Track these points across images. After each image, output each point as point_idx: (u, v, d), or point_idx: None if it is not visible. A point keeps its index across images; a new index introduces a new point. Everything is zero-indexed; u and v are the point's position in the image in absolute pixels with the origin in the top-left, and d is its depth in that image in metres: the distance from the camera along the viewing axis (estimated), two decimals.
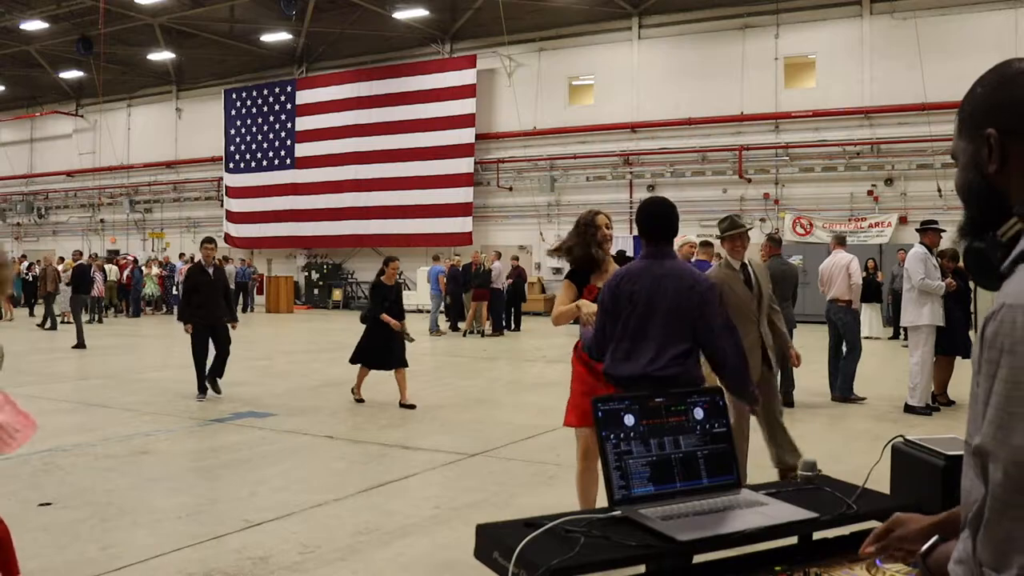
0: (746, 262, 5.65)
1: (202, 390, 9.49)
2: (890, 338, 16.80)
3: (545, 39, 24.92)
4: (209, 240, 9.89)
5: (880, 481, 2.32)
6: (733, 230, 5.65)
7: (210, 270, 9.60)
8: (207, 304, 9.54)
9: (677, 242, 10.82)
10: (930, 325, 8.58)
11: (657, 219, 3.63)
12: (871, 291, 17.09)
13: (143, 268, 25.38)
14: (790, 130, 21.87)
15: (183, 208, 32.11)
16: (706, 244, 9.49)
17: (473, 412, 8.73)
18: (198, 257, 10.18)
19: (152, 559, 4.32)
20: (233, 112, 30.21)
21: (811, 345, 11.89)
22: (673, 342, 3.49)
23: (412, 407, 8.86)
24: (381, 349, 9.11)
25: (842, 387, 9.40)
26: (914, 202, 20.25)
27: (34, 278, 25.70)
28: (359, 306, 27.67)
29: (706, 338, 3.54)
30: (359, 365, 9.29)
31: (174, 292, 23.73)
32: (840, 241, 9.94)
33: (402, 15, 24.88)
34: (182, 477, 6.10)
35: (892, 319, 16.32)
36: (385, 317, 9.11)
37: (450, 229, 25.35)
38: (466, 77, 25.37)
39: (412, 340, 9.78)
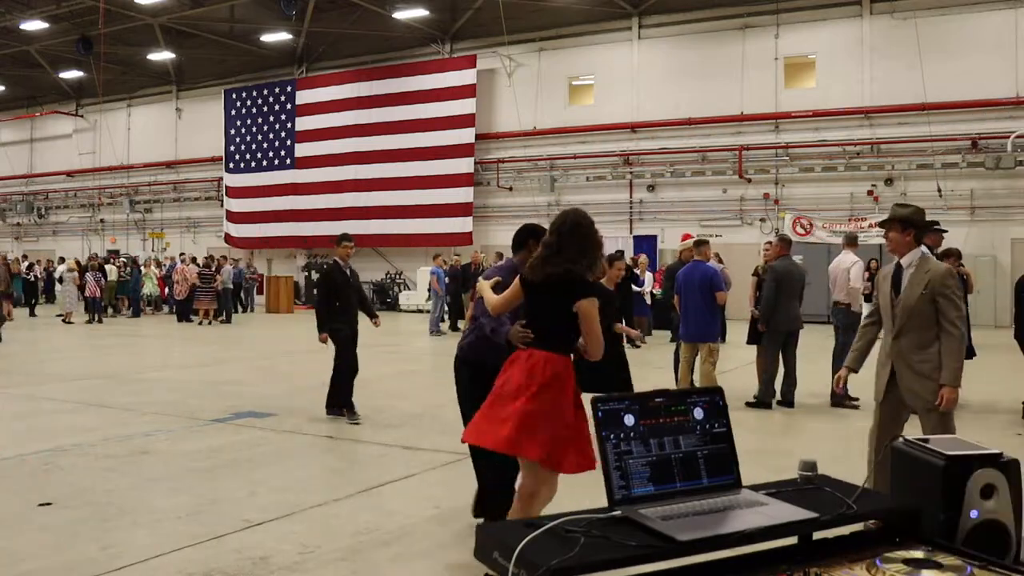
0: (902, 262, 4.63)
1: (348, 406, 8.25)
2: None
3: (545, 39, 24.92)
4: (347, 237, 8.55)
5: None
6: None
7: (347, 271, 8.48)
8: (350, 309, 8.44)
9: (682, 243, 10.86)
10: None
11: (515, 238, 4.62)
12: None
13: (142, 268, 25.39)
14: (790, 130, 21.87)
15: (183, 208, 32.12)
16: (700, 243, 9.47)
17: None
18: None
19: (152, 559, 4.32)
20: (233, 112, 30.22)
21: (812, 345, 11.90)
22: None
23: None
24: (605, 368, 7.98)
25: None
26: (914, 202, 20.02)
27: (35, 278, 25.76)
28: None
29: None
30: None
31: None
32: (850, 241, 9.78)
33: (402, 15, 24.88)
34: (182, 477, 6.09)
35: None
36: (623, 328, 7.68)
37: (450, 229, 25.36)
38: (466, 77, 25.38)
39: (639, 346, 8.38)
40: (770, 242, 10.14)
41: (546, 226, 4.12)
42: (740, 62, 22.00)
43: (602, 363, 7.21)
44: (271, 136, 29.40)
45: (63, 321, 21.01)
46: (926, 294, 4.44)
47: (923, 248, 4.55)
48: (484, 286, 4.26)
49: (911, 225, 4.54)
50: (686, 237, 11.44)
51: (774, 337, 9.11)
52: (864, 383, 9.74)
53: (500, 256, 20.18)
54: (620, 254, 8.23)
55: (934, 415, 4.46)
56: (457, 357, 4.82)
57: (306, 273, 28.76)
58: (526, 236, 4.49)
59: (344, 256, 8.44)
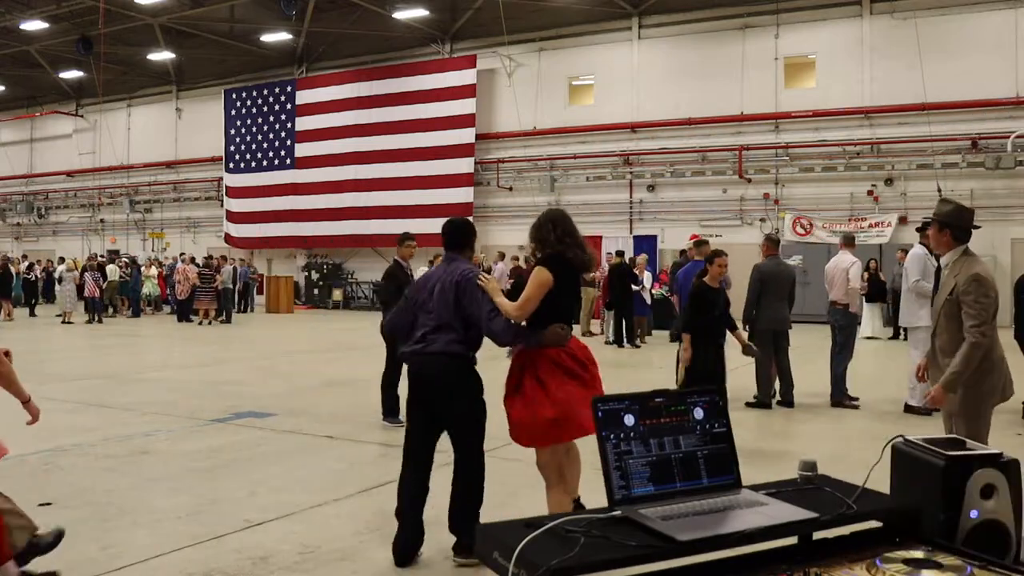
0: (941, 262, 4.62)
1: (393, 413, 8.04)
2: (890, 338, 16.81)
3: (545, 39, 24.92)
4: (409, 236, 8.35)
5: (880, 481, 2.32)
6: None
7: (408, 270, 8.29)
8: None
9: (687, 243, 10.83)
10: (929, 326, 8.55)
11: (446, 235, 4.73)
12: (876, 290, 17.08)
13: (142, 268, 25.39)
14: (790, 130, 21.87)
15: (183, 208, 32.12)
16: (700, 243, 9.45)
17: None
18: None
19: (152, 559, 4.32)
20: (233, 112, 30.22)
21: (811, 345, 11.90)
22: (445, 328, 4.30)
23: None
24: (712, 373, 6.95)
25: (833, 390, 9.26)
26: (914, 202, 20.24)
27: (35, 278, 25.75)
28: (359, 306, 27.69)
29: (476, 320, 4.26)
30: None
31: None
32: (848, 241, 9.75)
33: (402, 15, 24.88)
34: (182, 477, 6.09)
35: (893, 319, 16.32)
36: (741, 338, 7.30)
37: None
38: (466, 77, 25.37)
39: (755, 354, 7.67)
40: None
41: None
42: (740, 62, 22.00)
43: (711, 362, 7.05)
44: (271, 136, 29.39)
45: (63, 321, 21.01)
46: (951, 299, 4.33)
47: (964, 248, 4.41)
48: (497, 291, 4.29)
49: (946, 225, 4.40)
50: (694, 237, 11.42)
51: (761, 337, 9.11)
52: (864, 383, 9.78)
53: (502, 256, 20.21)
54: (720, 251, 7.59)
55: (958, 420, 4.31)
56: (469, 364, 4.51)
57: (306, 273, 28.78)
58: (471, 235, 4.76)
59: (407, 256, 8.27)
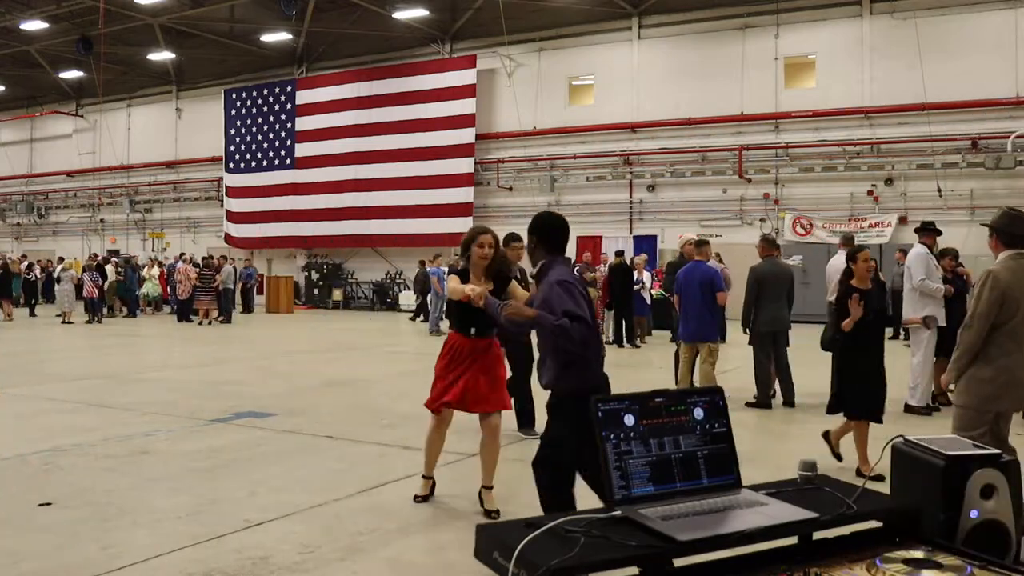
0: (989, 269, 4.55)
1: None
2: (890, 338, 16.80)
3: (545, 39, 24.92)
4: (515, 238, 7.35)
5: (880, 481, 2.31)
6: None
7: (516, 274, 7.45)
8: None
9: (680, 241, 10.81)
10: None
11: (561, 234, 4.04)
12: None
13: (144, 268, 25.37)
14: (790, 130, 21.86)
15: (183, 208, 32.11)
16: (701, 243, 9.43)
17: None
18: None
19: (152, 559, 4.32)
20: (233, 112, 30.21)
21: (810, 345, 11.90)
22: None
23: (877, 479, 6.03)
24: (869, 384, 6.27)
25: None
26: (914, 202, 20.24)
27: (35, 278, 25.74)
28: (359, 306, 27.69)
29: None
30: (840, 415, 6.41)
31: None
32: (846, 241, 9.78)
33: (402, 15, 24.88)
34: (182, 477, 6.09)
35: (892, 319, 16.30)
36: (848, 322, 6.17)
37: (450, 229, 25.30)
38: (466, 77, 25.37)
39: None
40: None
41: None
42: (740, 62, 21.99)
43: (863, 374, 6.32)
44: (271, 136, 29.39)
45: (62, 321, 21.00)
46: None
47: (1013, 252, 4.49)
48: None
49: (994, 230, 4.62)
50: (682, 237, 11.43)
51: (758, 339, 9.10)
52: None
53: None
54: (862, 246, 6.82)
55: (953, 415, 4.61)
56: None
57: (306, 273, 28.78)
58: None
59: (514, 259, 7.33)
